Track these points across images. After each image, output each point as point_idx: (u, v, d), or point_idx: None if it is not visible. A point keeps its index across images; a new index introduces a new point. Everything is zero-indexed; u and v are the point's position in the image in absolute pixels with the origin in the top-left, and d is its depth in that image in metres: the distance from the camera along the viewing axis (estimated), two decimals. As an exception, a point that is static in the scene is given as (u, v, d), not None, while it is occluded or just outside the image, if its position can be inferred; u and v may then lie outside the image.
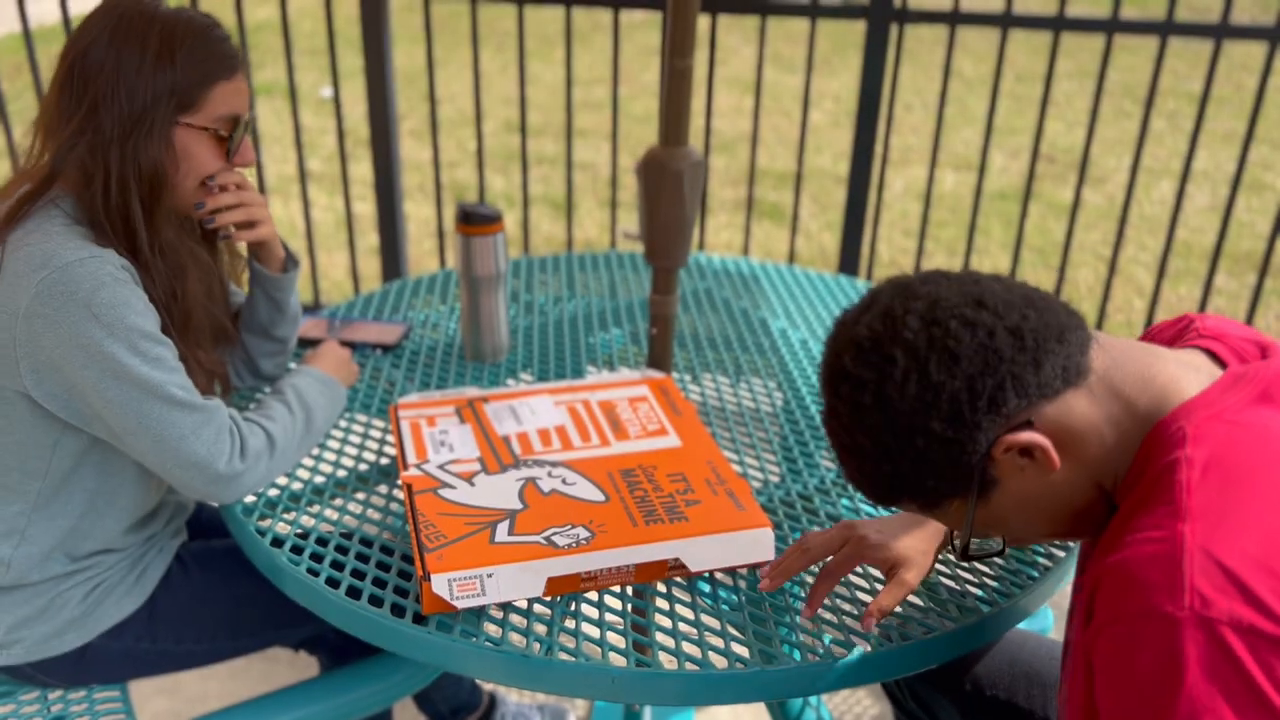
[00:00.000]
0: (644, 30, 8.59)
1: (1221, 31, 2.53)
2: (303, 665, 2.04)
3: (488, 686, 1.87)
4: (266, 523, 1.23)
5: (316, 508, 1.27)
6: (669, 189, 1.40)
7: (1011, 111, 6.55)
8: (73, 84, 1.16)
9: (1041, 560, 1.19)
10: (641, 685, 1.03)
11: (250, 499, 1.27)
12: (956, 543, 0.94)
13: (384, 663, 1.48)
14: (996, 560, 1.18)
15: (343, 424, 1.44)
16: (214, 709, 1.34)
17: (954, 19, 2.60)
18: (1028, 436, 0.83)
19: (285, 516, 1.25)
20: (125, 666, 1.34)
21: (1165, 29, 2.54)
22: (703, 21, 9.46)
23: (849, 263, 2.86)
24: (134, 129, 1.16)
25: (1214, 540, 0.73)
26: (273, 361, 1.49)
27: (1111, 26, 2.57)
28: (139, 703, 2.01)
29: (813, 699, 1.46)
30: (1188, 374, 0.86)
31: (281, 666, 2.10)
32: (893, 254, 4.43)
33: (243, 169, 1.29)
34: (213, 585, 1.38)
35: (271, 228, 1.38)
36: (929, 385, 0.84)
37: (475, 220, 1.51)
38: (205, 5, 2.89)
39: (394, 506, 1.27)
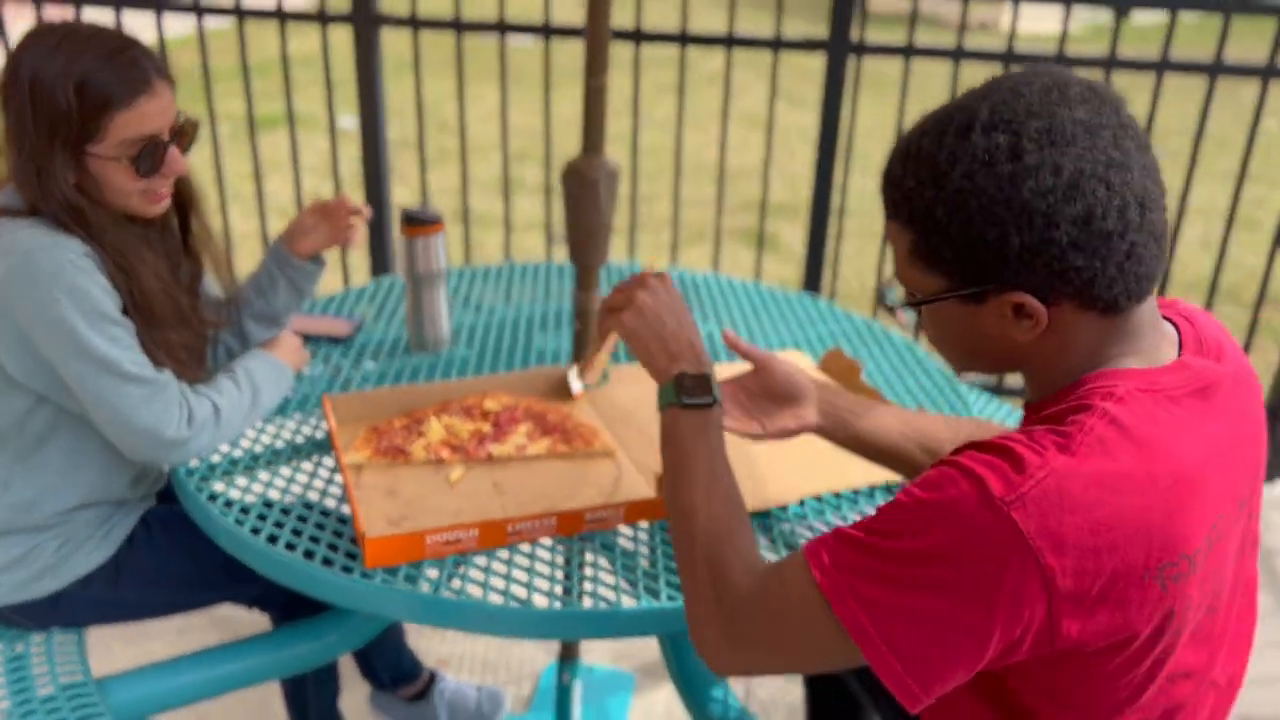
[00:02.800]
0: (660, 67, 8.81)
1: (1215, 69, 2.65)
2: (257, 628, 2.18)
3: (429, 663, 2.00)
4: (220, 487, 1.37)
5: (264, 475, 1.41)
6: (587, 195, 1.54)
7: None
8: (6, 103, 1.29)
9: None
10: (506, 619, 1.16)
11: (195, 463, 1.41)
12: (897, 300, 0.98)
13: (327, 620, 1.62)
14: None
15: (287, 403, 1.58)
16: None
17: (908, 52, 2.75)
18: (1036, 306, 0.88)
19: (232, 482, 1.39)
20: (92, 613, 1.49)
21: (1161, 66, 2.66)
22: (716, 59, 9.66)
23: (811, 282, 2.99)
24: (44, 165, 1.28)
25: (1071, 484, 0.82)
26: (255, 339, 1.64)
27: (1061, 61, 2.70)
28: (100, 654, 2.15)
29: (719, 692, 1.58)
30: (1154, 346, 0.93)
31: (240, 628, 2.24)
32: (862, 277, 4.55)
33: (174, 173, 1.38)
34: (173, 544, 1.53)
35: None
36: (1050, 190, 0.84)
37: (417, 222, 1.66)
38: (259, 38, 3.07)
39: (325, 475, 1.41)
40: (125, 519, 1.50)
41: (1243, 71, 2.65)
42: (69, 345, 1.28)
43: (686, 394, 1.08)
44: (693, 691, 1.54)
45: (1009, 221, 0.85)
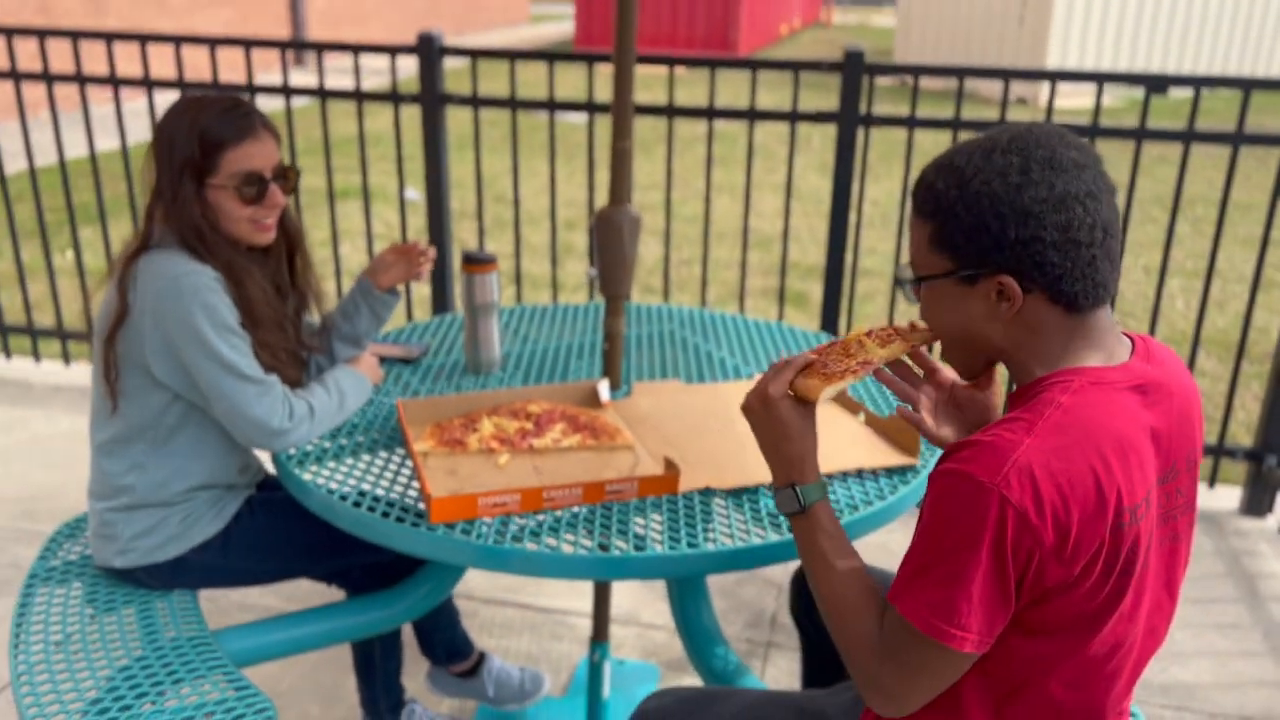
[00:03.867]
0: (700, 143, 9.24)
1: (1237, 139, 2.94)
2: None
3: (479, 645, 2.29)
4: (313, 470, 1.70)
5: (349, 461, 1.73)
6: (614, 236, 1.88)
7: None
8: (151, 158, 1.69)
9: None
10: (539, 561, 1.46)
11: (293, 451, 1.74)
12: (911, 287, 1.25)
13: (392, 594, 1.93)
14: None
15: (367, 409, 1.92)
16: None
17: (911, 123, 3.08)
18: (1016, 290, 1.13)
19: (323, 467, 1.71)
20: (204, 577, 1.82)
21: (1188, 136, 2.95)
22: (759, 134, 10.07)
23: (828, 329, 3.29)
24: (176, 193, 1.67)
25: (1037, 458, 1.08)
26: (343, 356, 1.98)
27: (1095, 133, 3.00)
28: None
29: (720, 650, 1.85)
30: (1105, 348, 1.19)
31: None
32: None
33: (275, 206, 1.74)
34: (270, 524, 1.85)
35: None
36: (1043, 201, 1.11)
37: (475, 261, 2.00)
38: (337, 115, 3.46)
39: (396, 463, 1.74)
40: (234, 500, 1.84)
41: (1262, 140, 2.92)
42: (201, 349, 1.63)
43: (780, 507, 1.29)
44: (697, 645, 1.82)
45: (1009, 218, 1.13)
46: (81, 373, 4.07)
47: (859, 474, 1.69)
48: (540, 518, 1.55)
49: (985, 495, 1.07)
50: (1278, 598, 2.83)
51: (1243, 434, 3.93)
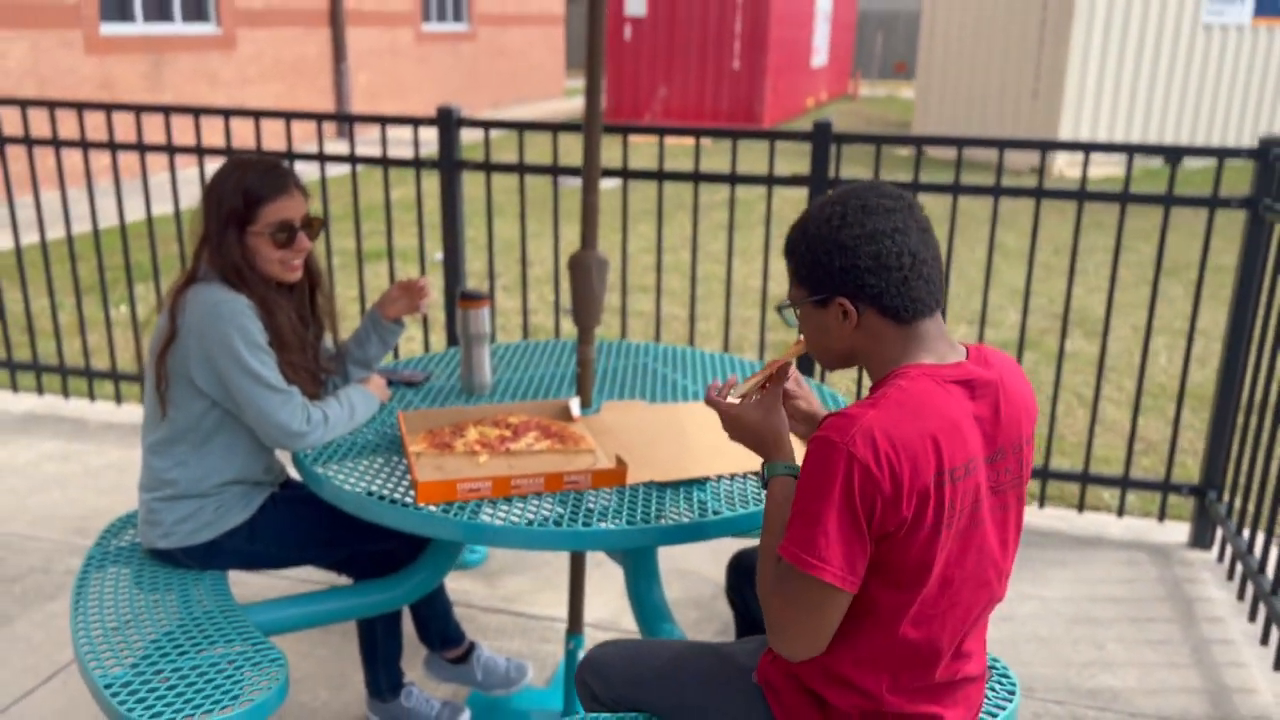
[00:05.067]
0: (719, 209, 9.66)
1: (1213, 203, 3.24)
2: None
3: (470, 637, 2.60)
4: (322, 470, 2.04)
5: (356, 460, 2.07)
6: (584, 276, 2.23)
7: (1038, 279, 7.26)
8: (203, 208, 2.07)
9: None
10: (506, 534, 1.78)
11: (310, 452, 2.08)
12: (787, 311, 1.59)
13: (394, 578, 2.25)
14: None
15: (374, 421, 2.26)
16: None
17: (915, 188, 3.42)
18: (850, 308, 1.47)
19: (334, 463, 2.05)
20: (232, 559, 2.15)
21: (1168, 201, 3.26)
22: (775, 201, 10.46)
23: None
24: (221, 238, 2.05)
25: (877, 424, 1.40)
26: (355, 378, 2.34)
27: (1083, 197, 3.32)
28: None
29: (668, 627, 2.15)
30: (938, 352, 1.51)
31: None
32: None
33: (302, 250, 2.12)
34: (290, 515, 2.19)
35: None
36: (856, 237, 1.45)
37: (470, 297, 2.36)
38: (374, 185, 3.87)
39: (394, 464, 2.07)
40: (260, 495, 2.18)
41: (1190, 202, 3.22)
42: (235, 363, 1.98)
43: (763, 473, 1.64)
44: (647, 619, 2.12)
45: (834, 253, 1.47)
46: (130, 412, 4.46)
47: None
48: (510, 504, 1.88)
49: (836, 452, 1.39)
50: (1211, 619, 3.07)
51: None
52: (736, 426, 1.67)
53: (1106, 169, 12.45)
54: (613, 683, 1.76)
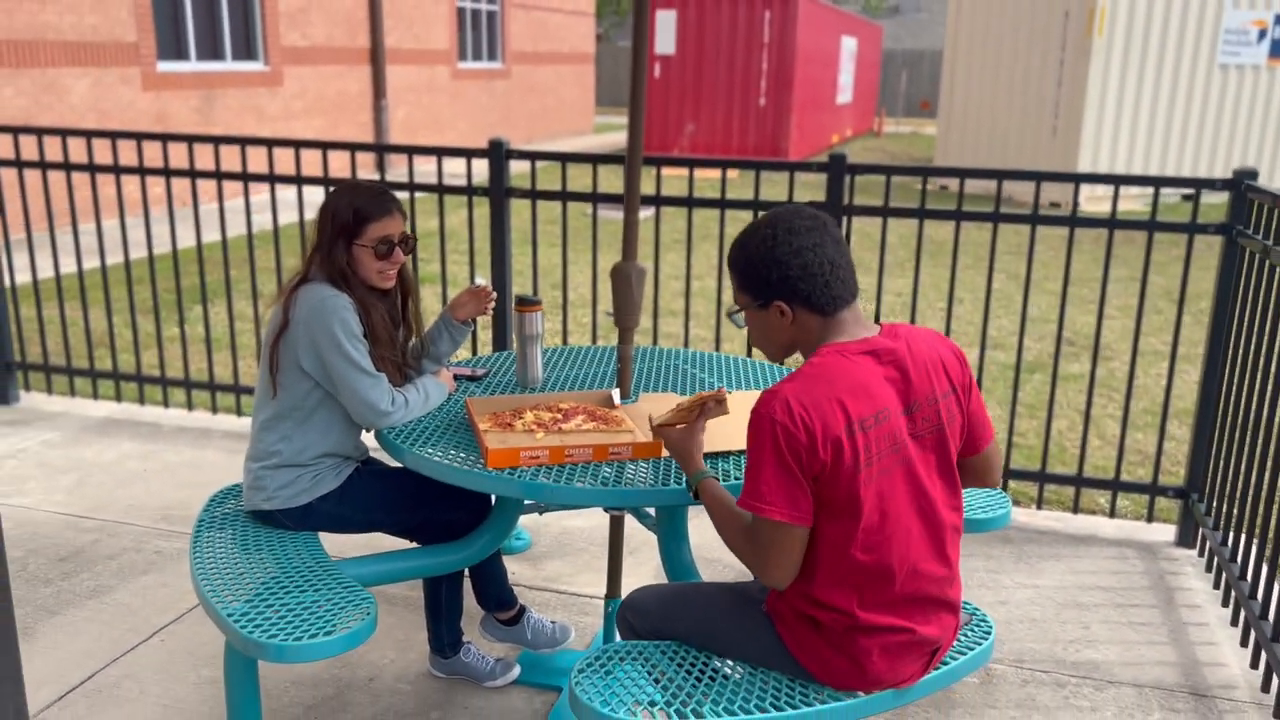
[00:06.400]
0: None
1: (1193, 229, 3.60)
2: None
3: (521, 600, 2.95)
4: (402, 442, 2.41)
5: (432, 437, 2.44)
6: (624, 283, 2.59)
7: (1051, 306, 7.57)
8: (318, 221, 2.46)
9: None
10: (558, 491, 2.14)
11: (393, 431, 2.45)
12: (737, 317, 1.95)
13: (460, 542, 2.61)
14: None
15: (443, 407, 2.62)
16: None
17: (885, 213, 3.79)
18: (786, 309, 1.84)
19: (414, 440, 2.42)
20: (324, 521, 2.52)
21: (1111, 225, 3.60)
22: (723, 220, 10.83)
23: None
24: (331, 247, 2.43)
25: (791, 393, 1.77)
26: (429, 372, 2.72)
27: (995, 217, 3.69)
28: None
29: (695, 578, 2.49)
30: (851, 333, 1.88)
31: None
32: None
33: (397, 262, 2.51)
34: (374, 485, 2.56)
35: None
36: (787, 253, 1.82)
37: (525, 302, 2.73)
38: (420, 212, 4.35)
39: (463, 439, 2.43)
40: (349, 467, 2.55)
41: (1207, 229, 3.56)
42: (335, 349, 2.36)
43: (688, 488, 2.04)
44: (676, 574, 2.46)
45: (772, 268, 1.86)
46: (199, 417, 4.86)
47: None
48: (563, 471, 2.24)
49: (763, 419, 1.77)
50: (1190, 605, 3.37)
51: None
52: (667, 444, 2.07)
53: (1126, 203, 12.75)
54: (650, 617, 2.11)
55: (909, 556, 1.87)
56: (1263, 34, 13.12)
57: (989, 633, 2.18)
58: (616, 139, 23.11)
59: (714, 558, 3.58)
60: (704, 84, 18.20)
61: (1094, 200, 13.06)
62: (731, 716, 1.87)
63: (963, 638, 2.15)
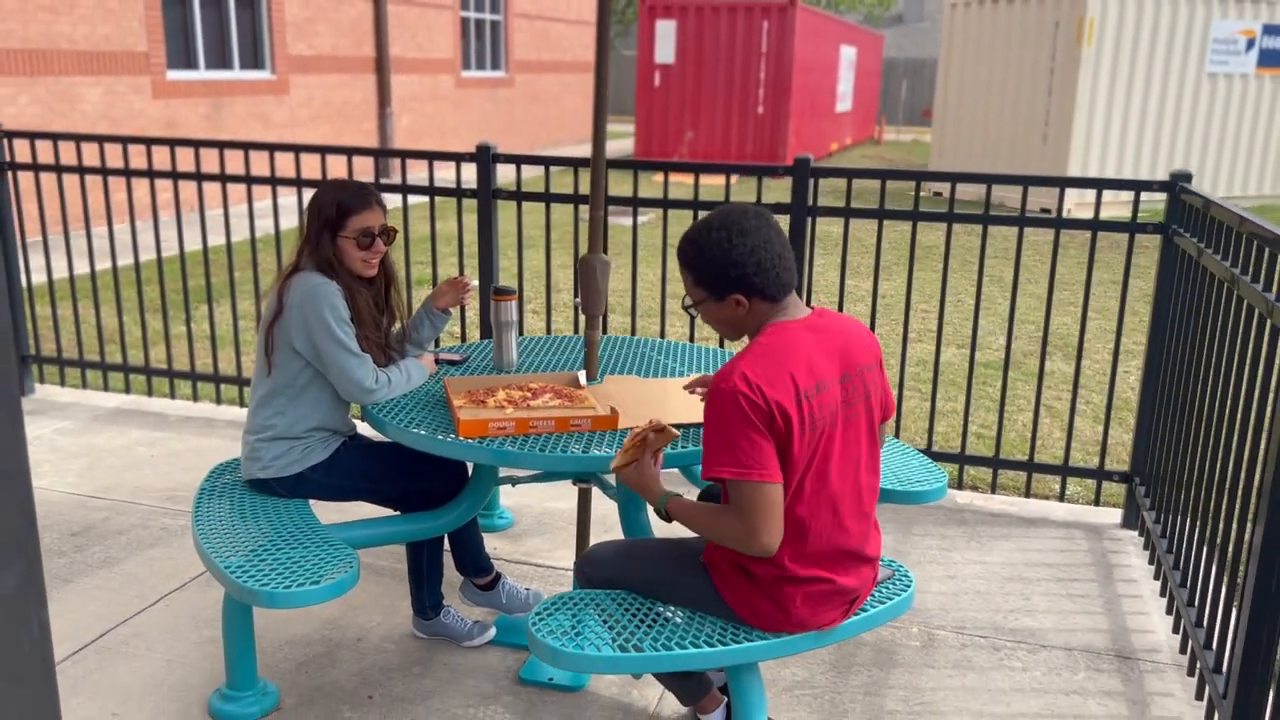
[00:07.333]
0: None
1: (1133, 228, 3.83)
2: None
3: (496, 565, 3.19)
4: (386, 416, 2.66)
5: (412, 413, 2.68)
6: (591, 273, 2.84)
7: (1032, 308, 7.81)
8: (306, 215, 2.71)
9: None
10: (521, 457, 2.39)
11: (377, 405, 2.70)
12: (693, 309, 2.18)
13: (438, 510, 2.85)
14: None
15: (424, 387, 2.87)
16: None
17: (847, 214, 4.04)
18: (744, 300, 2.08)
19: (396, 414, 2.67)
20: (314, 489, 2.77)
21: (1057, 224, 3.85)
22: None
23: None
24: (318, 239, 2.68)
25: (747, 367, 2.01)
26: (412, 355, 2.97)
27: (950, 218, 3.93)
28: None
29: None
30: (792, 313, 2.12)
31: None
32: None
33: (379, 252, 2.77)
34: (359, 457, 2.81)
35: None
36: (743, 254, 2.05)
37: (501, 292, 2.98)
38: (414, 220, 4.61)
39: (440, 414, 2.68)
40: (337, 440, 2.80)
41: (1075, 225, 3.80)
42: (325, 331, 2.61)
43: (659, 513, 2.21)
44: (633, 535, 2.71)
45: (728, 266, 2.10)
46: (203, 407, 5.12)
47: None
48: (529, 440, 2.48)
49: (725, 392, 2.01)
50: (1126, 580, 3.60)
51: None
52: (626, 483, 2.23)
53: (1113, 210, 12.97)
54: (604, 568, 2.35)
55: (838, 513, 2.11)
56: (1251, 43, 13.35)
57: (909, 585, 2.42)
58: (619, 145, 23.40)
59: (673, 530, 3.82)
60: (703, 92, 18.48)
61: (1082, 207, 13.29)
62: (667, 651, 2.12)
63: (885, 589, 2.39)
